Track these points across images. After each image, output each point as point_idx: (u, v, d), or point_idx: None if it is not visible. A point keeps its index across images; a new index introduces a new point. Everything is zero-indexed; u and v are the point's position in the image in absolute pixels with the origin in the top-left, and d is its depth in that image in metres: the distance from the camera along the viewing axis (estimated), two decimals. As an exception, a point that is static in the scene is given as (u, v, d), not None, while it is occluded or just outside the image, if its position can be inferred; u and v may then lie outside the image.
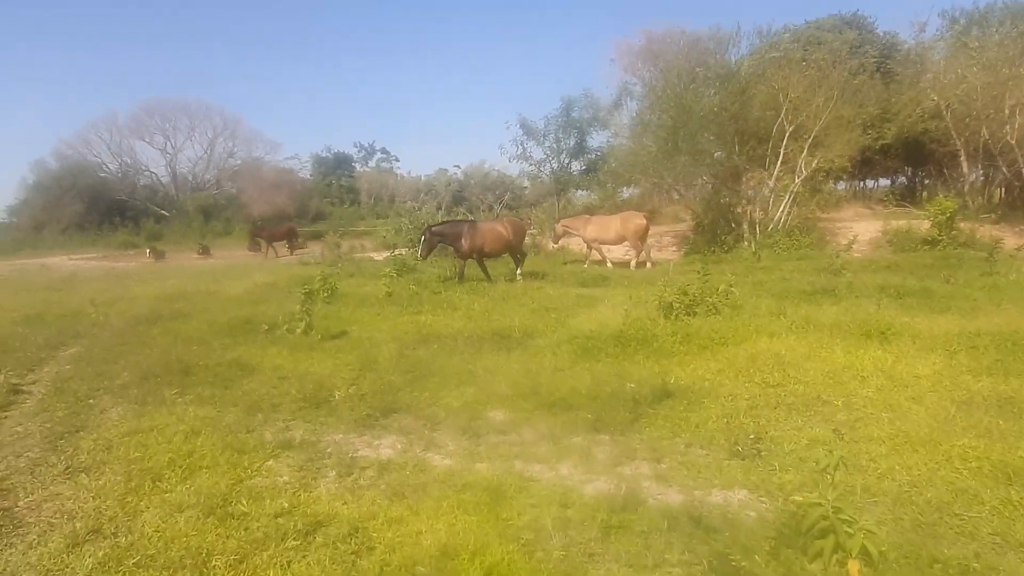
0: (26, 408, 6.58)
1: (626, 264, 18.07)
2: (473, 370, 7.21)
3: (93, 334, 10.69)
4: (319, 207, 61.62)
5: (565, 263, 18.51)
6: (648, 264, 17.67)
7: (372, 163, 71.57)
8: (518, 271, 15.20)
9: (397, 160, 72.28)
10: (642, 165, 19.86)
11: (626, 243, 18.63)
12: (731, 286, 9.32)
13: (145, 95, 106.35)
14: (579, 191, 24.28)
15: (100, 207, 54.19)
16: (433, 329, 9.55)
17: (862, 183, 30.22)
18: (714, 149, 17.16)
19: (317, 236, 49.69)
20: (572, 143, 22.97)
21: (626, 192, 25.73)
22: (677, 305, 8.70)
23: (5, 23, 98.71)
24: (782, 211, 18.86)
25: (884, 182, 30.29)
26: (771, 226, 18.68)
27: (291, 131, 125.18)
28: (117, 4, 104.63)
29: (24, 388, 7.38)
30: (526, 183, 73.66)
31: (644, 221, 17.63)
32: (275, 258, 30.13)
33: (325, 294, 11.88)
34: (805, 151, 17.92)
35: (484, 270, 14.93)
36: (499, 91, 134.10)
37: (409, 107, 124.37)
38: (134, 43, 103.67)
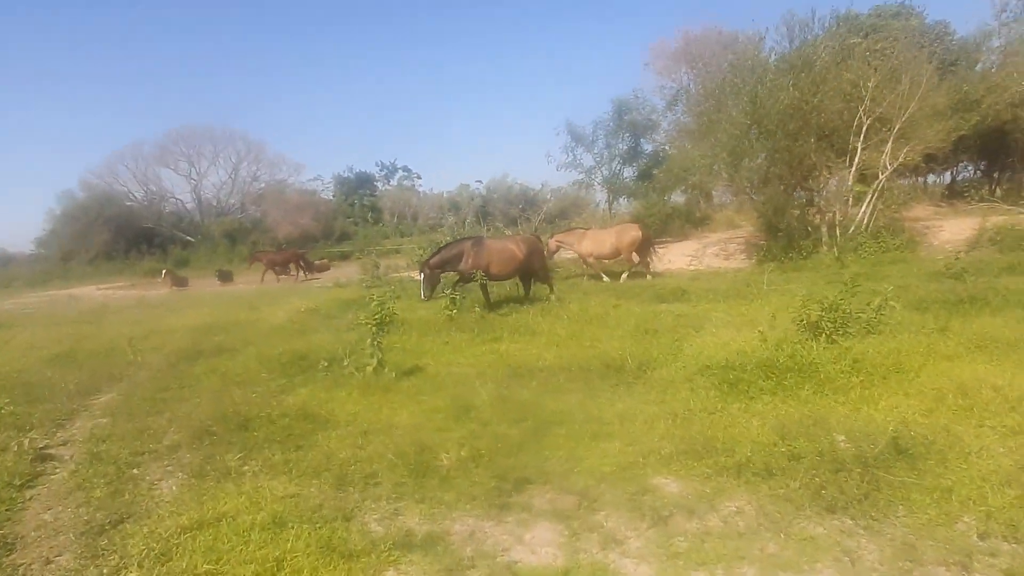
0: (56, 483, 5.28)
1: (680, 273, 16.58)
2: (601, 416, 5.80)
3: (129, 376, 9.47)
4: (343, 227, 60.86)
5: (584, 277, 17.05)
6: (648, 276, 16.60)
7: (394, 181, 70.89)
8: (552, 294, 13.08)
9: (419, 177, 71.56)
10: (706, 168, 18.34)
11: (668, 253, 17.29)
12: (887, 299, 7.79)
13: (169, 123, 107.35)
14: (628, 199, 22.71)
15: (127, 235, 53.93)
16: (521, 360, 8.16)
17: (924, 179, 28.45)
18: (790, 146, 15.62)
19: (344, 257, 49.07)
20: (624, 148, 21.52)
21: (671, 198, 24.26)
22: (827, 324, 7.22)
23: (30, 53, 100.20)
24: (864, 211, 17.27)
25: (947, 178, 28.48)
26: (851, 228, 17.08)
27: (312, 152, 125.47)
28: (140, 34, 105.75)
29: (53, 452, 6.09)
30: (549, 195, 72.89)
31: (639, 233, 16.76)
32: (276, 283, 28.92)
33: (380, 321, 10.54)
34: (890, 144, 16.35)
35: (485, 295, 12.65)
36: (519, 104, 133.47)
37: (428, 123, 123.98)
38: (157, 72, 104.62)
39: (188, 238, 56.89)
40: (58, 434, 6.75)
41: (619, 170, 21.49)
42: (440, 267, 12.69)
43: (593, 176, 22.33)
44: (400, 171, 71.26)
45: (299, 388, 7.75)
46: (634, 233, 16.72)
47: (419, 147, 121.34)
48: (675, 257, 18.73)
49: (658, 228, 22.95)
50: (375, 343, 7.55)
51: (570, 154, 22.16)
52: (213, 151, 61.12)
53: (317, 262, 36.98)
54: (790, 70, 15.66)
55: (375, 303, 10.63)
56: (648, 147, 21.94)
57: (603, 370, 7.27)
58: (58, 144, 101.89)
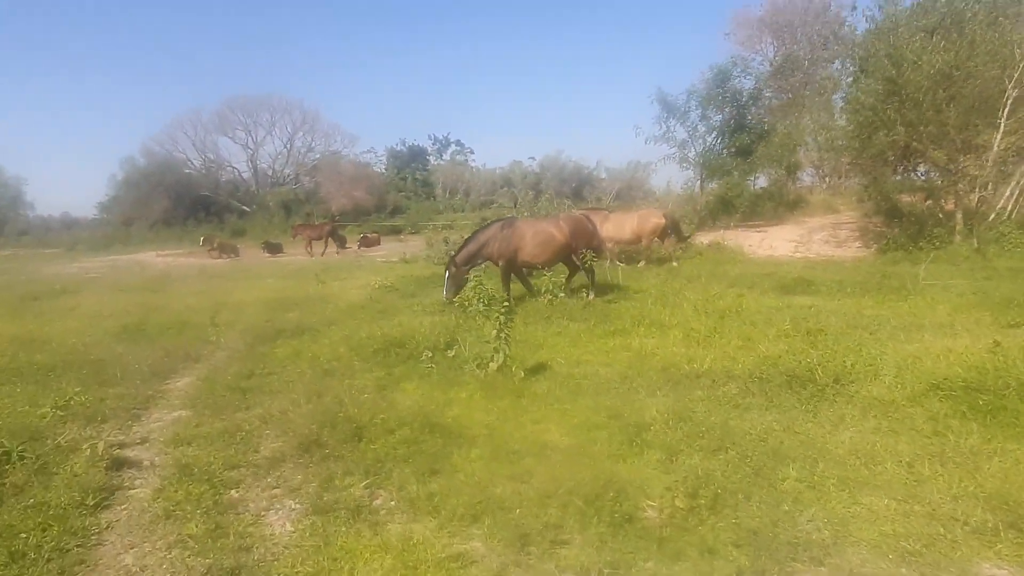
0: (137, 504, 4.17)
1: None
2: (827, 448, 4.42)
3: (206, 357, 8.46)
4: (396, 201, 60.10)
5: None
6: (674, 263, 15.46)
7: (447, 155, 69.63)
8: (590, 292, 10.79)
9: (472, 152, 70.11)
10: (827, 142, 16.39)
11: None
12: None
13: (226, 91, 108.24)
14: (719, 177, 20.66)
15: (185, 203, 54.33)
16: (666, 360, 6.81)
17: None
18: (935, 119, 13.61)
19: (396, 231, 48.28)
20: (726, 120, 19.56)
21: (756, 180, 22.24)
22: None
23: (93, 22, 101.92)
24: (1010, 196, 15.25)
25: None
26: (992, 215, 15.08)
27: (365, 124, 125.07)
28: (201, 1, 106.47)
29: (131, 455, 5.02)
30: (603, 174, 70.61)
31: (662, 220, 15.86)
32: (319, 256, 28.25)
33: (480, 303, 9.31)
34: (1046, 121, 14.21)
35: (506, 286, 10.78)
36: (575, 80, 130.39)
37: (482, 97, 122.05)
38: (215, 39, 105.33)
39: (244, 207, 56.99)
40: (134, 428, 5.70)
41: (715, 144, 19.63)
42: (468, 262, 10.73)
43: (686, 150, 20.61)
44: (453, 145, 69.97)
45: (403, 383, 6.57)
46: (656, 220, 15.90)
47: (472, 121, 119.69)
48: (777, 243, 17.00)
49: (747, 210, 21.16)
50: (503, 335, 6.25)
51: (663, 125, 20.43)
52: (270, 120, 61.04)
53: (368, 235, 36.10)
54: (936, 29, 13.60)
55: (474, 283, 9.49)
56: (749, 120, 19.92)
57: (783, 380, 5.85)
58: (123, 110, 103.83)
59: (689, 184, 21.63)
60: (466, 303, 9.46)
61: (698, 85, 19.68)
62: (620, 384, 6.16)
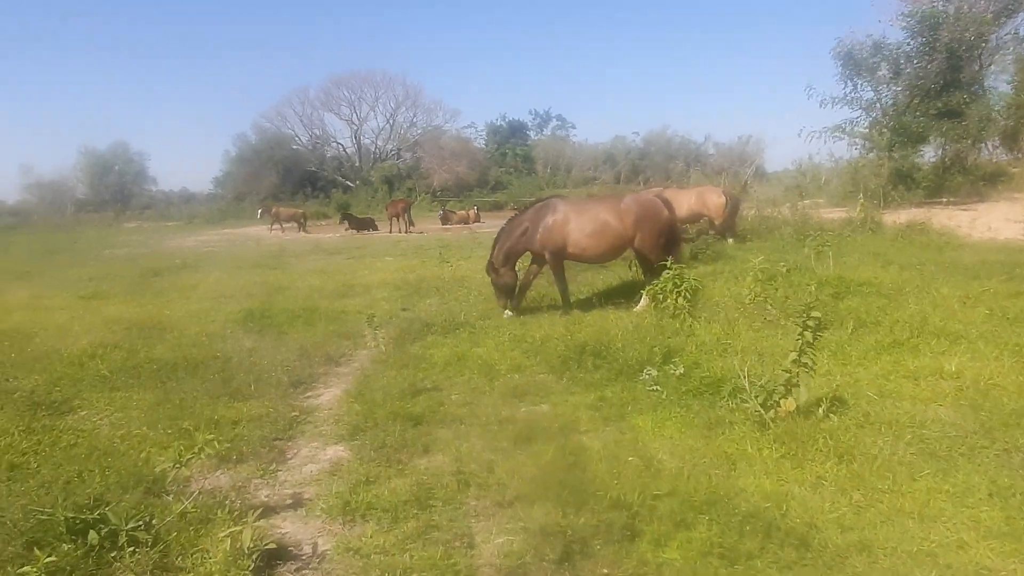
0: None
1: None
2: None
3: (349, 358, 6.89)
4: (497, 177, 58.59)
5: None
6: (729, 241, 13.85)
7: (547, 131, 67.25)
8: (642, 296, 8.30)
9: (573, 127, 67.37)
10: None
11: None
12: None
13: (333, 67, 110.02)
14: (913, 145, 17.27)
15: (293, 178, 55.16)
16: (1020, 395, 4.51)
17: None
18: None
19: (498, 207, 46.82)
20: (932, 76, 16.09)
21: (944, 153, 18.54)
22: None
23: (207, 4, 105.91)
24: None
25: None
26: None
27: (466, 99, 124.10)
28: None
29: (284, 533, 3.35)
30: (711, 150, 65.98)
31: (723, 199, 14.41)
32: (401, 233, 27.50)
33: (680, 298, 7.23)
34: None
35: (560, 284, 8.65)
36: (681, 52, 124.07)
37: (584, 70, 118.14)
38: (323, 13, 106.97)
39: (348, 183, 57.27)
40: (281, 477, 4.07)
41: (914, 106, 16.25)
42: (509, 262, 8.61)
43: (872, 114, 17.29)
44: (554, 120, 67.48)
45: (633, 418, 4.67)
46: (716, 198, 14.47)
47: (574, 95, 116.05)
48: (996, 223, 13.85)
49: (932, 187, 17.81)
50: (803, 361, 4.14)
51: (848, 83, 17.14)
52: (373, 96, 60.89)
53: (448, 211, 34.71)
54: None
55: (673, 274, 7.41)
56: (963, 76, 16.36)
57: None
58: (237, 87, 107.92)
59: (859, 154, 18.37)
60: (661, 296, 7.40)
61: (888, 36, 16.45)
62: (982, 439, 3.95)
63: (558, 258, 8.47)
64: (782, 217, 15.61)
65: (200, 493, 3.65)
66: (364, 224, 32.11)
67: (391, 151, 63.08)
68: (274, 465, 4.20)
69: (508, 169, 59.21)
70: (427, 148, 57.53)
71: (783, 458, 3.81)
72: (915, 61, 15.94)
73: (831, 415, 4.12)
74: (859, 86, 17.11)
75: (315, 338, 7.53)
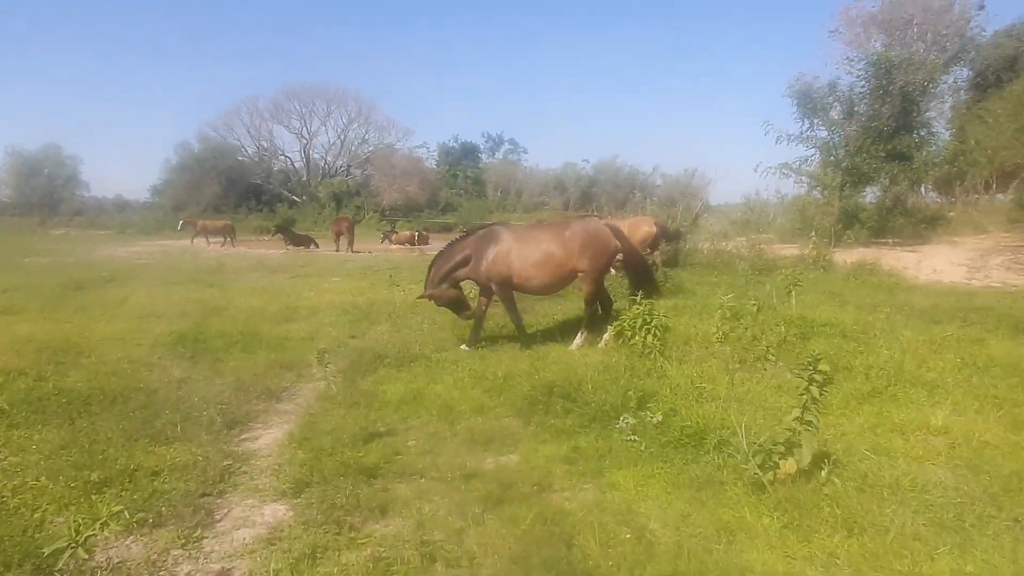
0: None
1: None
2: None
3: (292, 393, 6.24)
4: (447, 198, 58.22)
5: None
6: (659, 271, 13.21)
7: (499, 154, 67.41)
8: (580, 335, 7.89)
9: (525, 151, 67.71)
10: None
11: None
12: None
13: (283, 79, 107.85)
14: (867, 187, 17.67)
15: (237, 190, 53.44)
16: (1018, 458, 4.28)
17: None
18: None
19: (447, 228, 46.32)
20: (885, 119, 16.48)
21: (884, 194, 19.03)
22: None
23: (153, 8, 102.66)
24: None
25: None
26: None
27: (417, 119, 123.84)
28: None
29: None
30: (659, 181, 67.30)
31: (653, 228, 14.74)
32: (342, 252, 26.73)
33: (649, 336, 6.88)
34: None
35: (512, 315, 8.15)
36: (630, 82, 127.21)
37: (537, 96, 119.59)
38: (275, 25, 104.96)
39: (295, 198, 55.79)
40: (208, 549, 3.42)
41: (866, 147, 16.62)
42: (447, 281, 8.20)
43: (825, 153, 17.57)
44: (506, 144, 67.74)
45: (612, 472, 4.23)
46: (647, 228, 14.67)
47: (527, 120, 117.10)
48: (941, 266, 14.18)
49: (875, 227, 18.25)
50: (807, 417, 3.77)
51: (807, 121, 17.42)
52: (325, 110, 59.84)
53: (392, 232, 33.78)
54: None
55: (641, 309, 7.05)
56: (915, 119, 16.84)
57: None
58: (181, 94, 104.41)
59: (806, 192, 18.77)
60: (628, 332, 7.03)
61: (841, 78, 16.88)
62: (989, 506, 3.67)
63: (506, 289, 7.98)
64: (736, 251, 15.64)
65: (103, 571, 2.99)
66: (301, 241, 30.68)
67: (341, 167, 61.97)
68: (199, 530, 3.56)
69: (459, 191, 58.97)
70: (378, 166, 56.76)
71: (787, 529, 3.42)
72: (868, 103, 16.36)
73: (833, 478, 3.74)
74: (814, 124, 17.48)
75: (254, 368, 6.84)
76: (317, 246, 30.01)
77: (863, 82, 16.47)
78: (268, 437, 5.05)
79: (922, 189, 23.10)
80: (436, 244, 30.56)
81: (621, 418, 4.90)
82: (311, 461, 4.36)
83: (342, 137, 60.72)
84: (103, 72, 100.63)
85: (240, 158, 57.27)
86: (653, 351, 6.69)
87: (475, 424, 5.22)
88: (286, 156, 60.60)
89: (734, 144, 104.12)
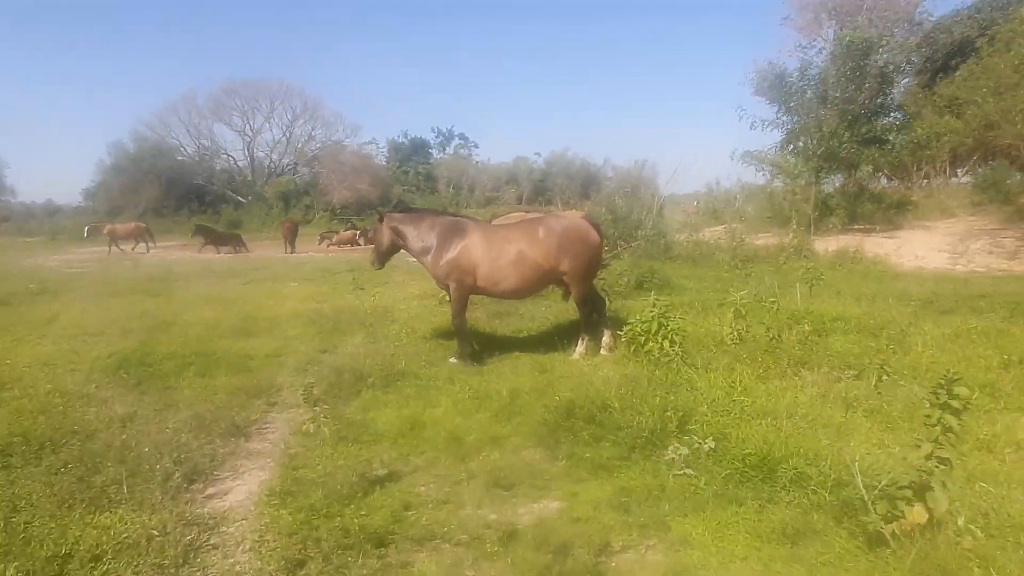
0: None
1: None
2: None
3: (263, 428, 5.27)
4: (399, 195, 56.90)
5: None
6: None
7: (450, 149, 66.27)
8: (581, 342, 7.13)
9: (476, 146, 66.62)
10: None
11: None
12: None
13: (222, 76, 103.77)
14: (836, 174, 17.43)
15: (177, 191, 50.90)
16: None
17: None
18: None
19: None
20: (862, 102, 16.14)
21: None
22: None
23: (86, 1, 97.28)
24: None
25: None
26: None
27: (365, 115, 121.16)
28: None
29: None
30: (610, 173, 67.30)
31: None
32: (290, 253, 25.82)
33: (665, 340, 6.14)
34: None
35: (458, 320, 7.16)
36: (583, 75, 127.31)
37: (487, 90, 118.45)
38: (211, 19, 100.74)
39: (240, 198, 53.48)
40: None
41: (844, 132, 16.27)
42: (399, 233, 7.44)
43: (800, 139, 17.18)
44: (456, 138, 66.60)
45: (678, 523, 3.45)
46: None
47: (477, 114, 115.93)
48: (922, 252, 13.97)
49: (848, 213, 18.05)
50: (940, 459, 3.02)
51: (782, 105, 16.92)
52: (269, 106, 57.48)
53: (329, 232, 32.29)
54: None
55: (655, 313, 6.31)
56: (892, 101, 16.63)
57: None
58: (113, 93, 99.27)
59: (771, 180, 18.53)
60: (640, 339, 6.27)
61: (814, 61, 16.50)
62: None
63: (463, 291, 7.11)
64: (715, 243, 15.14)
65: None
66: (226, 240, 28.48)
67: (287, 166, 59.82)
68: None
69: (410, 187, 57.68)
70: (326, 164, 54.88)
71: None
72: (843, 87, 16.06)
73: (972, 527, 3.03)
74: (790, 109, 17.07)
75: (214, 397, 5.82)
76: (245, 246, 28.13)
77: (836, 65, 16.14)
78: (240, 491, 4.10)
79: (883, 176, 23.18)
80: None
81: (670, 447, 4.12)
82: (302, 526, 3.45)
83: (287, 134, 58.54)
84: (26, 69, 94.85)
85: (180, 158, 54.55)
86: (674, 359, 5.94)
87: (491, 460, 4.38)
88: (229, 155, 58.09)
89: (690, 135, 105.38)
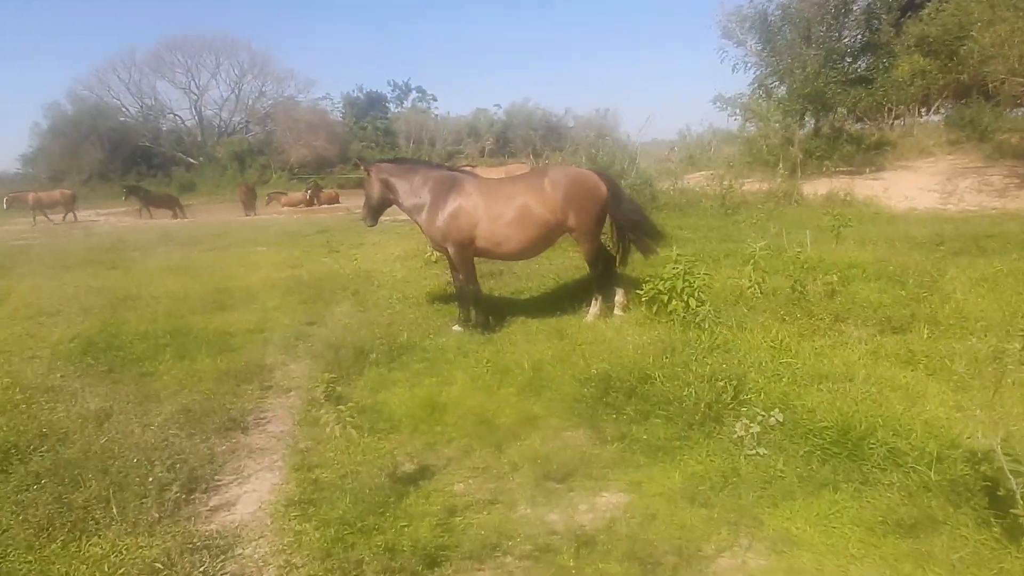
0: None
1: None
2: None
3: (258, 417, 4.68)
4: (359, 152, 55.16)
5: None
6: None
7: (408, 103, 64.20)
8: (594, 302, 6.56)
9: (435, 99, 64.52)
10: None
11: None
12: None
13: (165, 30, 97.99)
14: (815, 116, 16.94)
15: (123, 154, 48.36)
16: None
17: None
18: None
19: (362, 184, 43.73)
20: (849, 40, 15.52)
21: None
22: None
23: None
24: None
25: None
26: None
27: (317, 70, 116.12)
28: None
29: None
30: (571, 123, 66.28)
31: None
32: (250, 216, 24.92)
33: (691, 298, 5.68)
34: None
35: (470, 287, 6.56)
36: (540, 21, 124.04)
37: (443, 39, 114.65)
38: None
39: (191, 159, 51.05)
40: None
41: (829, 72, 15.70)
42: (387, 187, 6.72)
43: (780, 81, 16.54)
44: (414, 92, 64.48)
45: (762, 510, 3.05)
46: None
47: (433, 65, 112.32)
48: (912, 193, 13.74)
49: (827, 156, 17.73)
50: None
51: (766, 45, 16.08)
52: (214, 63, 54.50)
53: (278, 192, 30.81)
54: None
55: (678, 270, 5.82)
56: (879, 39, 16.05)
57: None
58: (44, 53, 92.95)
59: (744, 125, 18.04)
60: (663, 297, 5.79)
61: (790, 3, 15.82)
62: None
63: (465, 252, 6.46)
64: (700, 190, 14.69)
65: None
66: (162, 202, 26.90)
67: (238, 124, 57.20)
68: None
69: (369, 144, 55.90)
70: (280, 121, 52.77)
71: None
72: (827, 25, 15.49)
73: None
74: (775, 49, 16.43)
75: (199, 384, 5.17)
76: (181, 208, 26.61)
77: (819, 2, 15.49)
78: (250, 500, 3.53)
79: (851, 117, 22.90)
80: (355, 201, 28.08)
81: (738, 424, 3.66)
82: (335, 545, 2.91)
83: (236, 91, 55.72)
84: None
85: (122, 119, 51.57)
86: (705, 319, 5.48)
87: (532, 447, 3.89)
88: (175, 114, 55.17)
89: (653, 83, 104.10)
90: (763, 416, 3.76)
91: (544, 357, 5.26)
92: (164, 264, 11.97)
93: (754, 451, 3.55)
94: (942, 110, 24.96)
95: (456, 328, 6.48)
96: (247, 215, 25.53)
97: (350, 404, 4.31)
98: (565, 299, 7.09)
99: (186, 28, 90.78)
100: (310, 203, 28.64)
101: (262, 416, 4.69)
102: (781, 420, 3.75)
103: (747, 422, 3.63)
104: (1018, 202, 12.41)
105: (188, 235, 17.45)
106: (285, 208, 28.14)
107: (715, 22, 18.50)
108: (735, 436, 3.64)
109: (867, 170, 16.12)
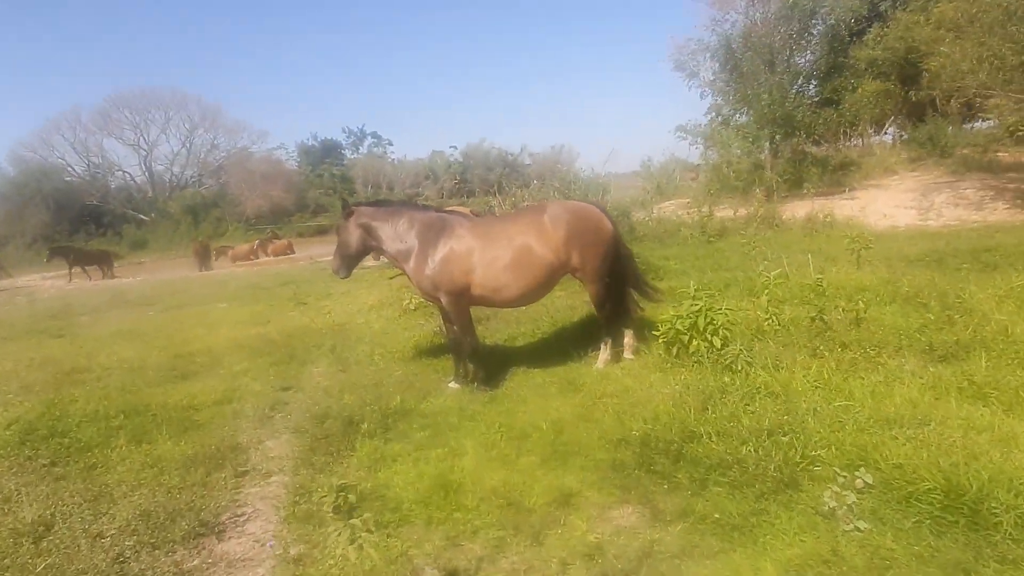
0: None
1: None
2: None
3: (237, 517, 3.90)
4: (316, 199, 54.53)
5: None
6: None
7: (363, 149, 63.99)
8: (604, 347, 5.93)
9: (390, 143, 64.59)
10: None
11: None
12: None
13: (110, 88, 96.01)
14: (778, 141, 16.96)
15: (69, 214, 46.69)
16: None
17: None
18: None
19: (323, 231, 42.92)
20: (813, 64, 15.57)
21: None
22: None
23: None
24: None
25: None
26: None
27: (271, 122, 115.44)
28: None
29: None
30: (528, 160, 66.81)
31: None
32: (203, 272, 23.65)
33: (714, 337, 5.13)
34: None
35: (465, 336, 5.90)
36: (493, 64, 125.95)
37: (397, 87, 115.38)
38: (97, 29, 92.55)
39: (142, 216, 49.45)
40: None
41: (794, 96, 15.73)
42: (368, 233, 6.04)
43: (747, 108, 16.52)
44: (369, 137, 64.32)
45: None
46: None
47: (387, 112, 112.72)
48: (890, 211, 13.65)
49: (793, 181, 17.74)
50: None
51: (730, 72, 16.11)
52: (164, 117, 53.45)
53: (214, 246, 29.49)
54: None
55: (696, 308, 5.27)
56: (844, 61, 16.19)
57: None
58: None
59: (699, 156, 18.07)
60: (683, 337, 5.23)
61: (756, 25, 15.83)
62: None
63: (460, 302, 5.81)
64: (678, 219, 14.40)
65: None
66: (93, 259, 25.39)
67: (191, 178, 55.92)
68: None
69: (326, 190, 55.20)
70: (234, 173, 51.82)
71: None
72: (791, 50, 15.60)
73: None
74: (741, 76, 16.45)
75: (162, 477, 4.36)
76: (111, 265, 25.12)
77: (782, 28, 15.59)
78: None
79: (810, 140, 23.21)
80: (315, 250, 27.11)
81: (826, 493, 3.06)
82: None
83: (187, 145, 54.62)
84: None
85: (68, 179, 49.86)
86: (737, 360, 4.92)
87: (575, 533, 3.21)
88: (124, 172, 53.66)
89: (608, 118, 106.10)
90: (844, 478, 3.18)
91: (563, 416, 4.62)
92: (116, 329, 11.00)
93: (851, 526, 2.94)
94: (892, 129, 25.51)
95: (453, 385, 5.80)
96: (201, 271, 24.41)
97: (365, 515, 3.58)
98: (567, 343, 6.49)
99: (133, 85, 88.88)
100: (257, 256, 27.32)
101: (239, 513, 3.91)
102: (870, 482, 3.16)
103: (838, 490, 3.03)
104: (997, 214, 12.37)
105: (141, 295, 16.40)
106: (241, 262, 26.98)
107: (667, 55, 18.68)
108: (825, 508, 3.03)
109: (844, 190, 16.07)
